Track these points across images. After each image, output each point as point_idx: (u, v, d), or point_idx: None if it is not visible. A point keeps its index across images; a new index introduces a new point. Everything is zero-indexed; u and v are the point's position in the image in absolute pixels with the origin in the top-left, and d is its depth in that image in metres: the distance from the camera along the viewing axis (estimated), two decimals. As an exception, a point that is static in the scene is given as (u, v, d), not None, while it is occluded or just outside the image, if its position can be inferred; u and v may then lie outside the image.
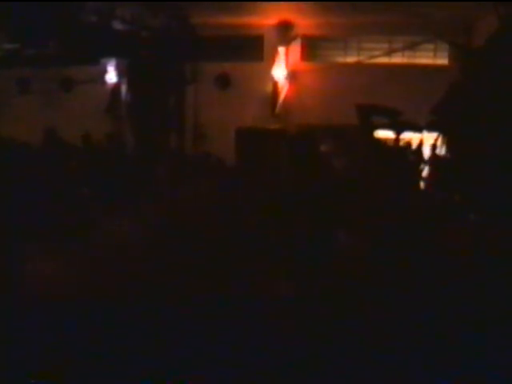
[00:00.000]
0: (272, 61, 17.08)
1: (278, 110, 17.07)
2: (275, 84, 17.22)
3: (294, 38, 17.02)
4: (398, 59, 16.85)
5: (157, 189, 10.87)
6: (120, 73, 16.89)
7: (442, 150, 10.23)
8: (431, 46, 16.65)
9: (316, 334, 4.95)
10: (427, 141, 10.69)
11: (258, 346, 4.75)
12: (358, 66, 16.71)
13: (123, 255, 6.96)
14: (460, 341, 4.73)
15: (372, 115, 10.82)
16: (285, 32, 16.79)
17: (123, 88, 16.63)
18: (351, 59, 17.27)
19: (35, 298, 5.51)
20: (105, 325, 4.84)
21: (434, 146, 10.26)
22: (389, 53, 16.69)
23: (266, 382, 4.30)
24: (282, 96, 17.18)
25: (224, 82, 17.22)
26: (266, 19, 16.41)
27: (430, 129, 10.29)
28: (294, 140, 12.15)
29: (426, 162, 10.50)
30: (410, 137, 11.18)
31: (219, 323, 5.02)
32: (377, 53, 16.66)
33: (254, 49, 17.33)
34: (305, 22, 16.53)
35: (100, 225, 8.73)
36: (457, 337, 4.79)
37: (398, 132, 10.61)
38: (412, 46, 16.38)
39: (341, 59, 17.55)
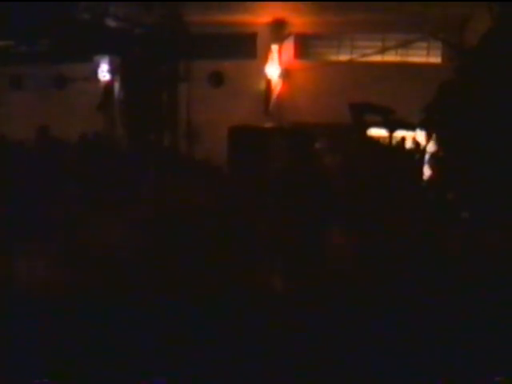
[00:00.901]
0: (265, 59, 17.09)
1: (271, 107, 17.07)
2: (268, 82, 17.24)
3: (287, 36, 17.03)
4: (391, 57, 16.82)
5: (148, 186, 10.85)
6: (113, 70, 16.82)
7: (434, 148, 10.26)
8: (424, 45, 16.61)
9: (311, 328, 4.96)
10: (420, 138, 10.72)
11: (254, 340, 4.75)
12: (351, 64, 16.68)
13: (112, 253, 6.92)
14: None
15: (365, 113, 10.86)
16: (278, 30, 16.81)
17: (116, 85, 16.58)
18: (344, 57, 17.23)
19: (24, 298, 5.48)
20: (104, 324, 4.82)
21: (426, 144, 10.29)
22: (382, 51, 16.67)
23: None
24: (275, 94, 17.20)
25: (217, 79, 17.22)
26: (260, 17, 16.42)
27: (423, 127, 10.31)
28: (288, 138, 12.16)
29: (418, 160, 10.52)
30: (402, 135, 11.21)
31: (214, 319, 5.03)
32: (370, 51, 16.63)
33: (248, 47, 17.32)
34: (298, 20, 16.54)
35: (92, 222, 8.69)
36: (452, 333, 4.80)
37: (391, 130, 10.65)
38: (405, 45, 16.33)
39: (334, 57, 17.52)
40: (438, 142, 10.34)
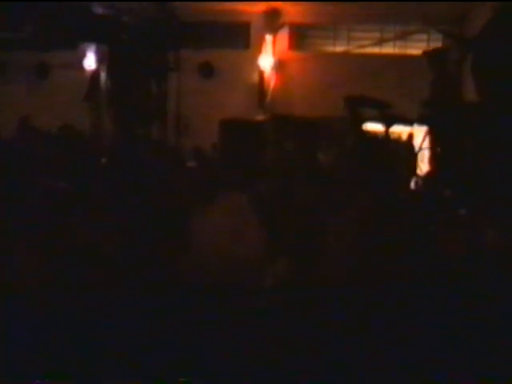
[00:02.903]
0: (259, 49, 16.99)
1: (264, 100, 16.95)
2: (261, 73, 17.13)
3: (281, 26, 16.90)
4: (389, 49, 16.80)
5: (138, 181, 10.60)
6: (99, 59, 16.56)
7: (432, 143, 10.06)
8: (424, 36, 16.43)
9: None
10: (418, 134, 10.53)
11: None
12: (347, 55, 16.60)
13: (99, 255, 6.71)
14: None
15: (361, 107, 10.64)
16: (272, 19, 16.65)
17: (102, 75, 16.27)
18: (340, 48, 17.14)
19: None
20: (103, 324, 4.60)
21: (424, 139, 10.10)
22: (380, 42, 16.62)
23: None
24: (268, 86, 17.10)
25: (208, 70, 17.11)
26: (253, 6, 16.24)
27: (421, 122, 10.14)
28: (280, 131, 11.97)
29: (415, 156, 10.34)
30: (400, 130, 11.01)
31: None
32: (367, 42, 16.51)
33: (240, 36, 17.29)
34: (293, 9, 16.36)
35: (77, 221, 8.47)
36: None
37: (388, 125, 10.42)
38: (404, 36, 16.37)
39: (330, 48, 17.45)
40: (436, 137, 10.18)
